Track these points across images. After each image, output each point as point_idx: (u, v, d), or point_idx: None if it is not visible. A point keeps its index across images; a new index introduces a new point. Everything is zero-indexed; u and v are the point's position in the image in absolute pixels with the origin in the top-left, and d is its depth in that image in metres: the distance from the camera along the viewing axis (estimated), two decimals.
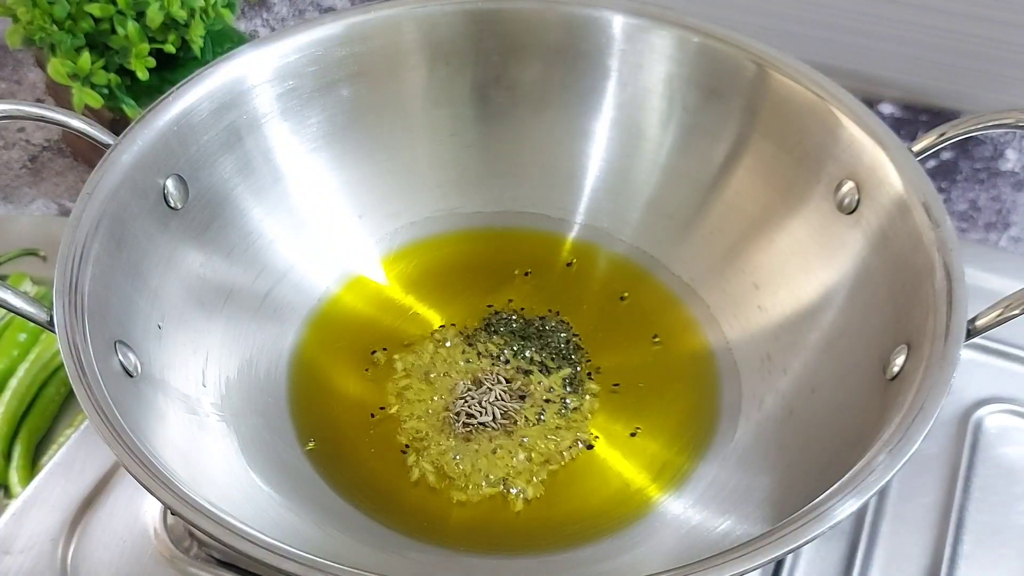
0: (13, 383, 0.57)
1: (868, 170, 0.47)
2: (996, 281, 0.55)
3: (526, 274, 0.56)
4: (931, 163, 0.69)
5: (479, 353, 0.52)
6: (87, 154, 0.72)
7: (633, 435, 0.49)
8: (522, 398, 0.50)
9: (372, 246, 0.56)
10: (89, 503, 0.48)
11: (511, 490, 0.47)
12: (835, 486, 0.36)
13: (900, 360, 0.41)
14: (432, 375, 0.51)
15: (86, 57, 0.59)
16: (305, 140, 0.53)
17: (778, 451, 0.46)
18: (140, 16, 0.60)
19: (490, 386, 0.50)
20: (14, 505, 0.48)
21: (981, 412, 0.52)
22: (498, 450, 0.48)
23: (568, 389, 0.50)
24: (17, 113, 0.44)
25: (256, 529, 0.34)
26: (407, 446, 0.48)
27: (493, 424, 0.49)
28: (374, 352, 0.52)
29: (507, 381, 0.50)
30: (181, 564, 0.46)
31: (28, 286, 0.61)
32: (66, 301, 0.40)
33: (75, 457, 0.50)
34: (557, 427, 0.49)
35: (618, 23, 0.53)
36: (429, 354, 0.52)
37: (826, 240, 0.49)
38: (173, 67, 0.63)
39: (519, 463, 0.47)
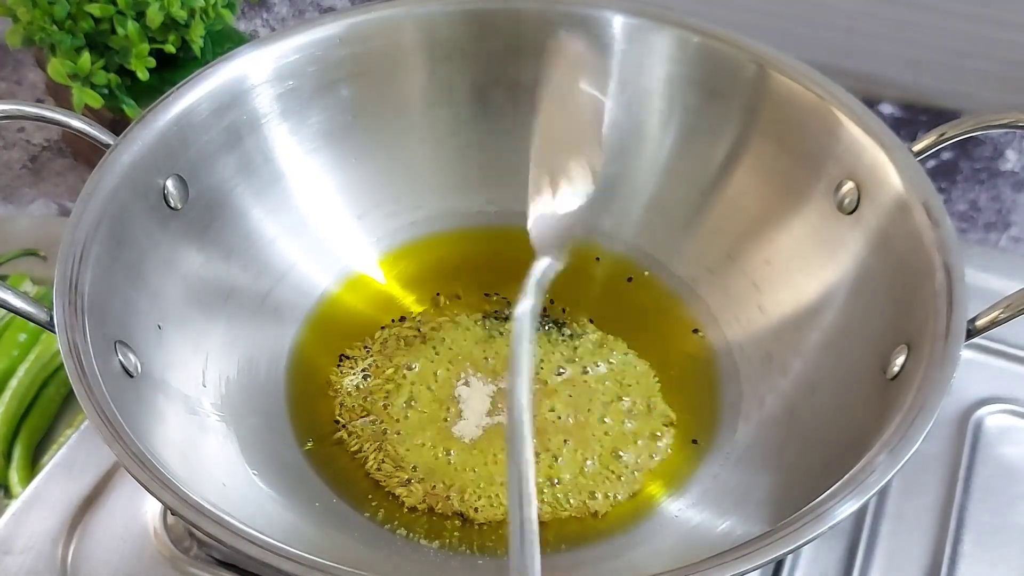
0: (13, 383, 0.57)
1: (868, 170, 0.47)
2: (996, 281, 0.55)
3: None
4: (931, 163, 0.69)
5: (482, 351, 0.52)
6: (87, 154, 0.72)
7: (695, 442, 0.48)
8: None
9: (372, 246, 0.56)
10: (89, 503, 0.48)
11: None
12: (835, 486, 0.36)
13: (900, 360, 0.41)
14: (435, 373, 0.51)
15: (86, 57, 0.59)
16: (305, 140, 0.53)
17: (778, 451, 0.46)
18: (140, 16, 0.60)
19: (498, 387, 0.50)
20: (14, 505, 0.48)
21: (981, 412, 0.52)
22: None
23: (579, 390, 0.50)
24: (17, 113, 0.44)
25: (256, 529, 0.34)
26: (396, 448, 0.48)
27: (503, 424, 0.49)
28: (368, 349, 0.52)
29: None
30: (181, 564, 0.46)
31: (28, 286, 0.61)
32: (66, 301, 0.40)
33: (75, 457, 0.50)
34: (566, 426, 0.49)
35: (618, 23, 0.53)
36: (430, 353, 0.52)
37: (826, 240, 0.49)
38: (173, 67, 0.63)
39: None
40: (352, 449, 0.48)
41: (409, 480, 0.47)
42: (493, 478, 0.47)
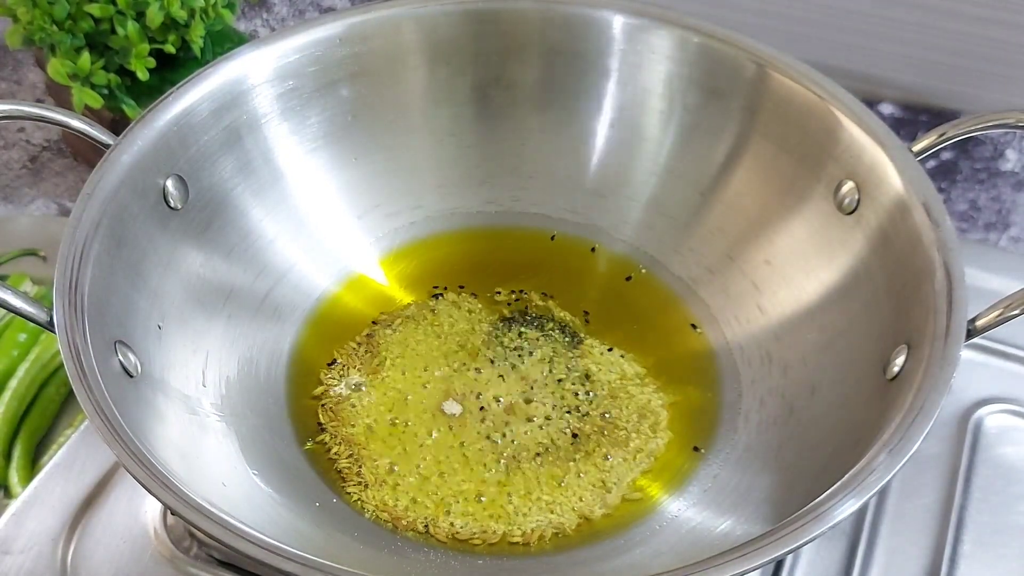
0: (13, 383, 0.57)
1: (868, 170, 0.47)
2: (996, 281, 0.55)
3: (552, 238, 0.57)
4: (931, 163, 0.69)
5: (481, 351, 0.52)
6: (87, 154, 0.72)
7: (697, 449, 0.48)
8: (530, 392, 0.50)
9: (372, 246, 0.56)
10: (89, 503, 0.48)
11: (514, 494, 0.47)
12: (835, 486, 0.36)
13: (900, 360, 0.41)
14: (434, 373, 0.51)
15: (86, 57, 0.59)
16: (305, 140, 0.53)
17: (778, 451, 0.46)
18: (140, 16, 0.60)
19: (499, 386, 0.50)
20: (14, 505, 0.48)
21: (981, 412, 0.52)
22: (502, 451, 0.48)
23: (574, 391, 0.50)
24: (17, 113, 0.44)
25: (256, 529, 0.34)
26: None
27: (503, 424, 0.49)
28: (374, 349, 0.52)
29: (514, 377, 0.50)
30: (181, 564, 0.46)
31: (28, 286, 0.61)
32: (66, 301, 0.40)
33: (75, 457, 0.50)
34: (565, 422, 0.49)
35: (618, 23, 0.53)
36: (428, 352, 0.52)
37: (826, 240, 0.49)
38: (173, 67, 0.63)
39: (529, 468, 0.47)
40: (334, 451, 0.48)
41: (365, 485, 0.47)
42: (454, 489, 0.47)
